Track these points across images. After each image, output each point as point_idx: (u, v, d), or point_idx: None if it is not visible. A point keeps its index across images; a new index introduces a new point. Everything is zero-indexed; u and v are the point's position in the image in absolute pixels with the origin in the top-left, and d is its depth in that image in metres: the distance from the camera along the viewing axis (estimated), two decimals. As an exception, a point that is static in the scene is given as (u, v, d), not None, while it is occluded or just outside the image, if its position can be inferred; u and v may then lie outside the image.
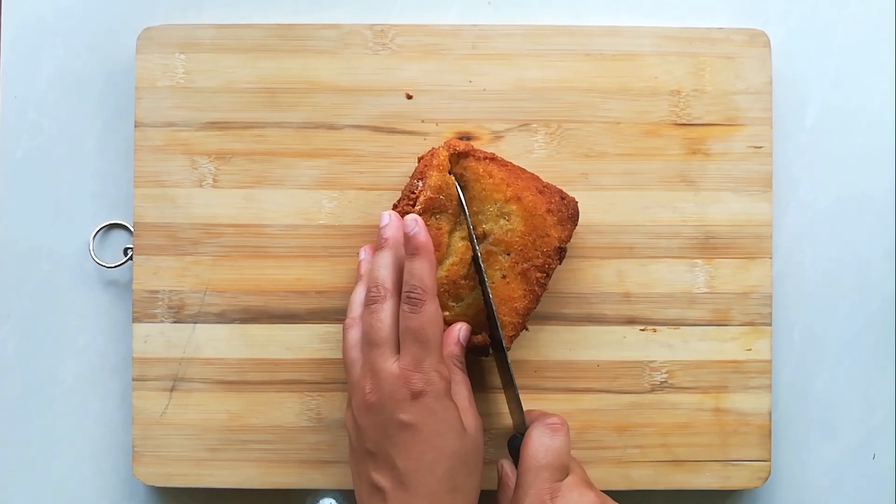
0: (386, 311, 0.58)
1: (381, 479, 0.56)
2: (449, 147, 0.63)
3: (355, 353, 0.60)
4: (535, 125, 0.68)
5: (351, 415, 0.59)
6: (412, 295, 0.57)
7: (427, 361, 0.56)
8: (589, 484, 0.59)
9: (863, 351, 0.71)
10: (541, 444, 0.59)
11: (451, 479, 0.56)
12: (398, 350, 0.58)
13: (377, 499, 0.57)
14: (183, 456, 0.67)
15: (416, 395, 0.56)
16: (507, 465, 0.62)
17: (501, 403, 0.68)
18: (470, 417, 0.58)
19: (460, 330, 0.61)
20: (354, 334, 0.60)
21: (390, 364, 0.57)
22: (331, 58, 0.68)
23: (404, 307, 0.57)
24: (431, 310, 0.57)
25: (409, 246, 0.58)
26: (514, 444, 0.62)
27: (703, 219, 0.68)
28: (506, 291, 0.62)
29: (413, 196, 0.62)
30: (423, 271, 0.57)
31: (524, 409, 0.62)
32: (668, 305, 0.68)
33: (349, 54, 0.68)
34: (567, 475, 0.59)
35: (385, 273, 0.59)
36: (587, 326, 0.68)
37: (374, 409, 0.57)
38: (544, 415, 0.61)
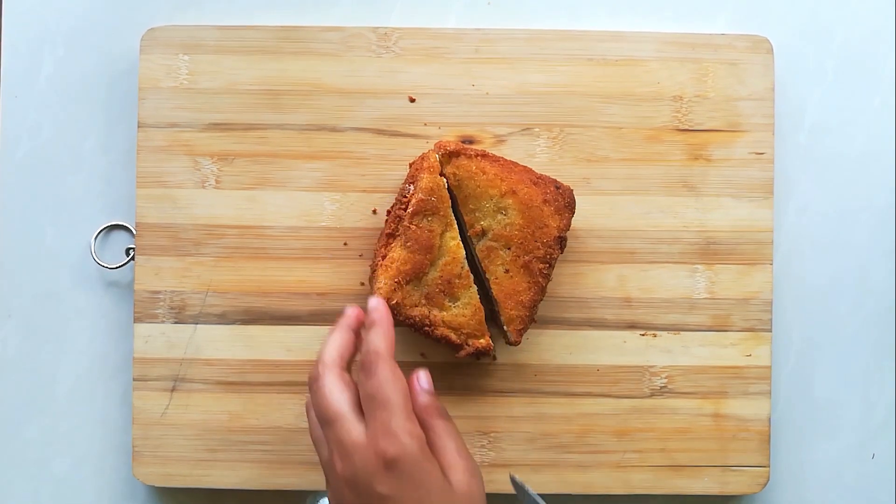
0: (328, 385, 0.55)
1: None
2: (440, 147, 0.63)
3: (319, 432, 0.56)
4: (537, 129, 0.68)
5: (332, 494, 0.55)
6: (364, 360, 0.55)
7: (394, 422, 0.53)
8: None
9: (862, 352, 0.71)
10: None
11: None
12: (359, 419, 0.54)
13: None
14: (183, 456, 0.67)
15: (389, 464, 0.52)
16: None
17: (503, 407, 0.68)
18: (459, 472, 0.54)
19: (419, 378, 0.58)
20: (314, 414, 0.57)
21: (354, 435, 0.53)
22: (334, 60, 0.68)
23: (360, 377, 0.55)
24: (386, 371, 0.54)
25: (368, 321, 0.57)
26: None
27: (704, 224, 0.68)
28: (510, 285, 0.63)
29: (405, 200, 0.63)
30: (376, 337, 0.56)
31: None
32: (668, 311, 0.68)
33: (352, 57, 0.68)
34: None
35: (327, 349, 0.57)
36: (588, 331, 0.68)
37: (350, 485, 0.53)
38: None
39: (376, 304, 0.58)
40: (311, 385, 0.56)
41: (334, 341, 0.57)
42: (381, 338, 0.56)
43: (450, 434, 0.56)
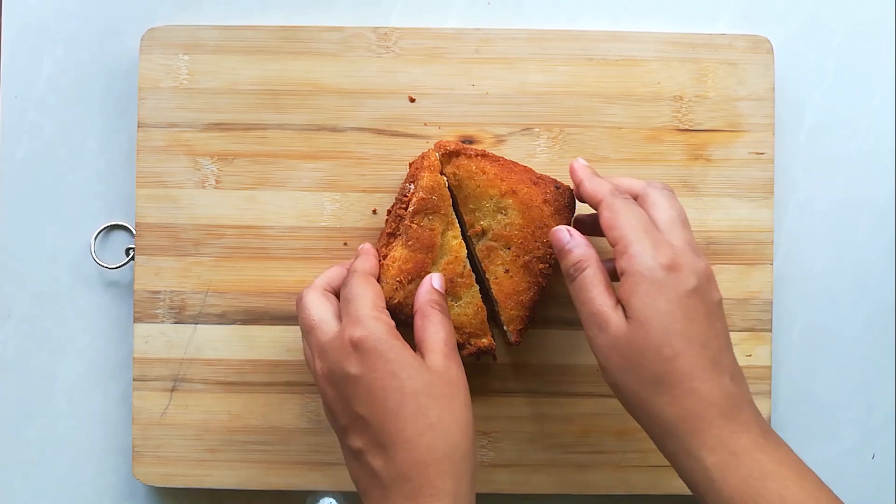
0: (308, 298, 0.59)
1: (358, 440, 0.55)
2: (440, 147, 0.63)
3: (308, 351, 0.59)
4: (537, 129, 0.68)
5: (323, 405, 0.58)
6: (345, 278, 0.60)
7: (361, 311, 0.56)
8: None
9: (862, 352, 0.71)
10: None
11: (424, 418, 0.53)
12: (337, 323, 0.57)
13: (362, 463, 0.55)
14: (183, 456, 0.67)
15: (356, 345, 0.54)
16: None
17: (503, 407, 0.68)
18: (438, 355, 0.56)
19: (433, 277, 0.60)
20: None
21: (329, 334, 0.57)
22: (334, 60, 0.68)
23: (341, 291, 0.59)
24: (359, 278, 0.58)
25: (356, 255, 0.62)
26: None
27: (704, 224, 0.68)
28: (510, 285, 0.63)
29: (406, 199, 0.63)
30: (358, 262, 0.61)
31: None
32: (668, 310, 0.68)
33: (352, 57, 0.68)
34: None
35: (317, 277, 0.61)
36: (588, 331, 0.68)
37: (328, 379, 0.56)
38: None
39: (365, 245, 0.63)
40: (297, 304, 0.60)
41: (325, 272, 0.62)
42: (361, 261, 0.61)
43: (443, 325, 0.57)
